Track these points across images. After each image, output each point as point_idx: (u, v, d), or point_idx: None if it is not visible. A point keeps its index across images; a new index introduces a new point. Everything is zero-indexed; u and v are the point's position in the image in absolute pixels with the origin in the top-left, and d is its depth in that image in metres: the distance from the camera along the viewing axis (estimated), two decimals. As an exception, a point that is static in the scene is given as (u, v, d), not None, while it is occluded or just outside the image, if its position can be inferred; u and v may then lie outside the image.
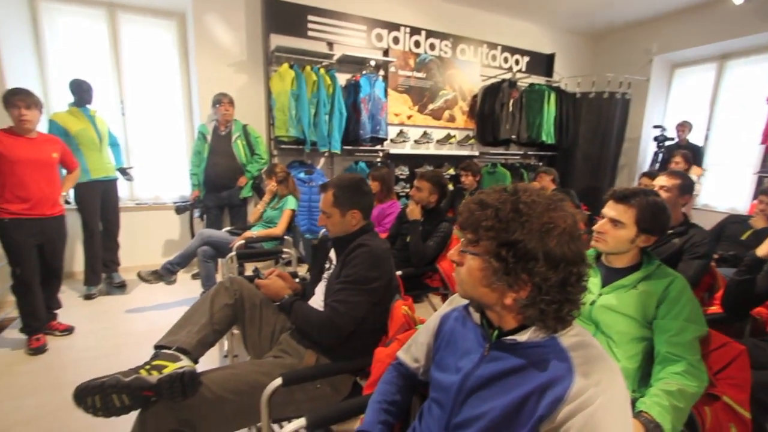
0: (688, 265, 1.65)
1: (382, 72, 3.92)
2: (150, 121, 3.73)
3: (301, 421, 0.91)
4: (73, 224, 2.92)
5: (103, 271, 3.20)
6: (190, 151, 3.82)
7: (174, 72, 3.72)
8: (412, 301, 1.35)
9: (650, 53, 4.75)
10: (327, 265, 1.50)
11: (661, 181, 1.84)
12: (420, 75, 4.15)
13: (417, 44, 4.09)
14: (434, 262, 2.20)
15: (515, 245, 0.64)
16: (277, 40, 3.42)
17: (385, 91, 3.85)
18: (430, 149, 4.36)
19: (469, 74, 4.43)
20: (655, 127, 4.62)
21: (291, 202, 2.85)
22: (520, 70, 4.70)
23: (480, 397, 0.70)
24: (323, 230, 3.07)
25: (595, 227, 1.24)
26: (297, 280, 1.63)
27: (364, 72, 3.71)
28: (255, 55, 3.56)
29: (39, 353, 2.26)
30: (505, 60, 4.65)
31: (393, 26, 3.95)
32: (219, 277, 2.95)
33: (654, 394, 0.98)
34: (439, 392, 0.78)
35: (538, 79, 4.70)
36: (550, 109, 4.50)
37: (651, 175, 2.86)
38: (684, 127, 4.20)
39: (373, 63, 3.72)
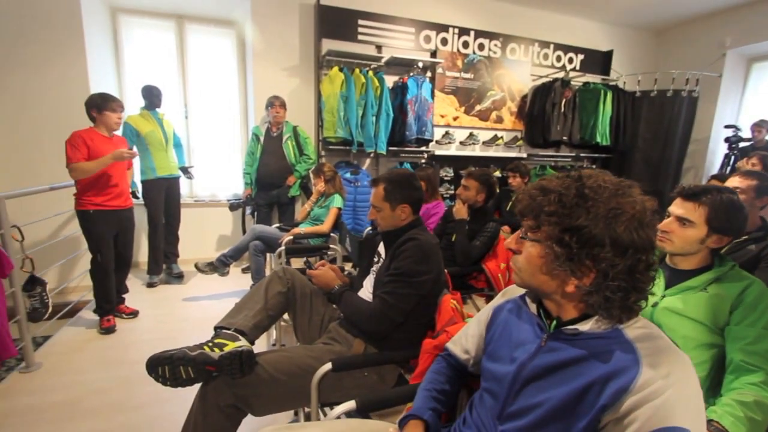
0: (766, 274, 1.50)
1: (429, 73, 3.92)
2: (209, 124, 3.99)
3: (351, 404, 0.93)
4: (140, 218, 3.18)
5: (164, 262, 3.45)
6: (244, 151, 4.05)
7: (232, 77, 3.95)
8: (459, 298, 1.34)
9: (723, 47, 4.37)
10: (375, 259, 1.53)
11: (734, 182, 1.67)
12: (468, 76, 4.11)
13: (465, 45, 4.05)
14: (480, 262, 2.16)
15: (579, 231, 0.63)
16: (329, 45, 3.54)
17: (432, 92, 3.85)
18: (476, 151, 4.30)
19: (519, 74, 4.31)
20: (727, 127, 4.24)
21: (337, 201, 2.93)
22: (573, 69, 4.51)
23: (537, 387, 0.68)
24: (368, 228, 3.13)
25: (659, 225, 1.16)
26: (344, 274, 1.67)
27: (411, 73, 3.74)
28: (307, 59, 3.70)
29: (109, 333, 2.49)
30: (558, 59, 4.48)
31: (441, 27, 3.95)
32: (268, 271, 3.09)
33: (726, 404, 0.90)
34: (492, 382, 0.78)
35: (594, 78, 4.48)
36: (605, 109, 4.27)
37: (721, 178, 2.63)
38: (762, 127, 3.82)
39: (420, 65, 3.73)
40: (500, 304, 0.88)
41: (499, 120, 4.35)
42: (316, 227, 2.84)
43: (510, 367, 0.74)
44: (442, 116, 4.10)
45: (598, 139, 4.28)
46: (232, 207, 3.62)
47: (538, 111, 4.19)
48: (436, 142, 4.07)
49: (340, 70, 3.46)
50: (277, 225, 3.13)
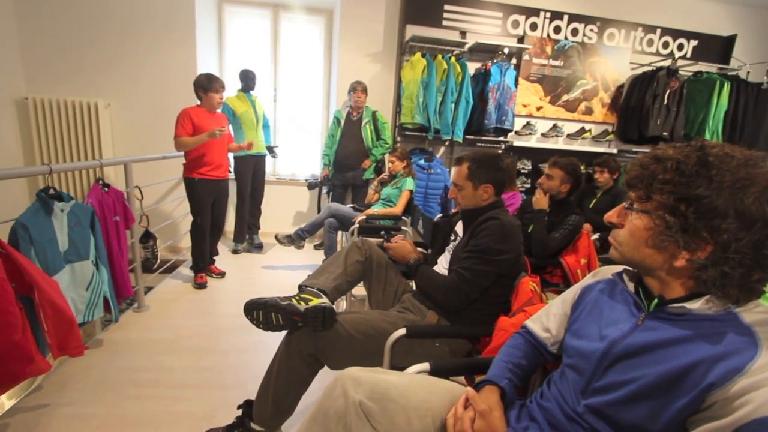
0: None
1: (514, 60, 3.76)
2: (294, 107, 4.24)
3: (424, 365, 0.96)
4: (229, 190, 3.50)
5: (247, 232, 3.78)
6: (324, 134, 4.25)
7: (318, 63, 4.15)
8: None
9: None
10: (452, 238, 1.54)
11: None
12: (556, 63, 3.86)
13: (557, 30, 3.81)
14: (557, 256, 2.05)
15: (698, 200, 0.58)
16: (413, 31, 3.55)
17: (516, 80, 3.69)
18: (559, 143, 4.04)
19: (616, 62, 3.95)
20: None
21: (410, 183, 2.97)
22: (683, 57, 4.01)
23: (629, 365, 0.65)
24: (438, 215, 3.13)
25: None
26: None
27: (495, 60, 3.61)
28: (390, 45, 3.75)
29: (202, 288, 2.81)
30: (665, 45, 4.01)
31: (532, 11, 3.75)
32: (339, 248, 3.24)
33: None
34: (576, 358, 0.75)
35: (708, 67, 3.95)
36: (720, 102, 3.75)
37: None
38: None
39: (506, 51, 3.59)
40: (590, 283, 0.85)
41: (588, 111, 4.04)
42: (389, 209, 2.91)
43: (599, 344, 0.71)
44: (525, 106, 3.91)
45: (708, 136, 3.78)
46: (310, 186, 3.84)
47: (636, 103, 3.81)
48: (516, 132, 3.91)
49: (423, 56, 3.46)
50: (351, 205, 3.25)
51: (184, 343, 2.09)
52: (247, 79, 3.44)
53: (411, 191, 2.96)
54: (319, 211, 4.08)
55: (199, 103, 2.74)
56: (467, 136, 3.66)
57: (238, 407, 1.37)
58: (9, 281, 1.31)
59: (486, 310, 1.28)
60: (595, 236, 2.41)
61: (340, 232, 3.17)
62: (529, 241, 2.06)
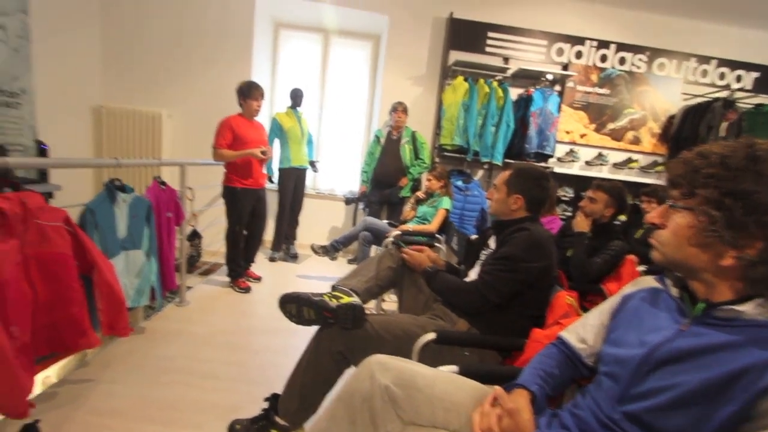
0: None
1: (558, 87, 3.75)
2: (337, 125, 4.43)
3: (453, 368, 0.95)
4: (269, 200, 3.65)
5: (284, 242, 3.90)
6: (364, 152, 4.38)
7: (362, 84, 4.34)
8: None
9: None
10: (485, 250, 1.53)
11: None
12: (602, 91, 3.81)
13: (603, 58, 3.78)
14: (598, 282, 1.97)
15: (746, 195, 0.57)
16: (456, 56, 3.65)
17: (559, 106, 3.67)
18: (603, 172, 3.93)
19: (667, 92, 3.84)
20: None
21: (446, 203, 2.98)
22: (741, 89, 3.84)
23: (670, 371, 0.62)
24: (473, 236, 3.10)
25: None
26: (444, 261, 1.69)
27: (538, 86, 3.63)
28: (433, 69, 3.87)
29: (246, 292, 2.88)
30: (721, 76, 3.86)
31: (577, 40, 3.76)
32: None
33: None
34: (613, 366, 0.73)
35: (770, 100, 3.75)
36: (783, 138, 3.52)
37: None
38: None
39: (549, 77, 3.60)
40: (631, 292, 0.82)
41: (636, 141, 3.91)
42: (424, 226, 2.93)
43: (638, 350, 0.68)
44: (568, 132, 3.86)
45: (769, 173, 3.54)
46: (348, 201, 3.94)
47: (689, 134, 3.65)
48: (558, 159, 3.85)
49: (465, 79, 3.54)
50: (387, 221, 3.30)
51: (218, 338, 2.16)
52: (296, 97, 3.65)
53: (447, 210, 2.97)
54: (354, 226, 4.16)
55: (240, 110, 2.84)
56: (507, 160, 3.64)
57: (265, 400, 1.39)
58: (75, 259, 1.45)
59: (517, 322, 1.25)
60: (642, 268, 2.29)
61: (373, 247, 3.21)
62: (567, 264, 2.00)
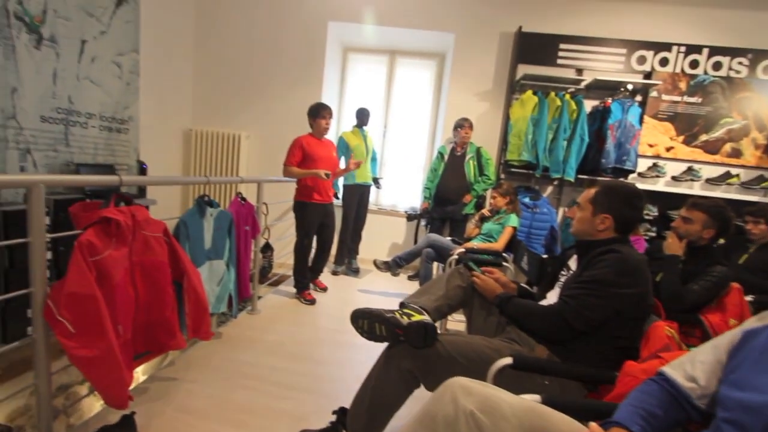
0: None
1: (639, 97, 3.48)
2: (400, 142, 4.49)
3: (536, 397, 0.89)
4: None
5: (346, 257, 3.99)
6: (426, 168, 4.38)
7: (426, 101, 4.37)
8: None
9: None
10: (564, 272, 1.43)
11: None
12: (693, 100, 3.45)
13: (694, 64, 3.44)
14: (695, 312, 1.74)
15: None
16: (525, 69, 3.55)
17: (641, 118, 3.38)
18: (695, 189, 3.52)
19: (774, 98, 3.38)
20: None
21: (513, 220, 2.86)
22: None
23: None
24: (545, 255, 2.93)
25: None
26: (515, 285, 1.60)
27: (616, 97, 3.39)
28: (500, 84, 3.80)
29: (312, 304, 2.98)
30: None
31: (662, 46, 3.47)
32: (434, 280, 3.22)
33: None
34: (738, 412, 0.63)
35: None
36: None
37: None
38: None
39: (629, 87, 3.35)
40: (756, 327, 0.71)
41: (735, 154, 3.47)
42: (490, 244, 2.83)
43: None
44: (651, 146, 3.54)
45: None
46: (410, 218, 3.94)
47: (804, 145, 3.17)
48: (639, 174, 3.53)
49: (534, 93, 3.41)
50: (450, 238, 3.24)
51: (286, 347, 2.25)
52: (362, 116, 3.78)
53: (514, 228, 2.85)
54: (415, 242, 4.14)
55: (311, 130, 2.98)
56: (580, 176, 3.42)
57: (333, 413, 1.41)
58: (170, 266, 1.60)
59: (605, 353, 1.14)
60: (750, 298, 1.99)
61: (435, 264, 3.16)
62: (657, 291, 1.80)
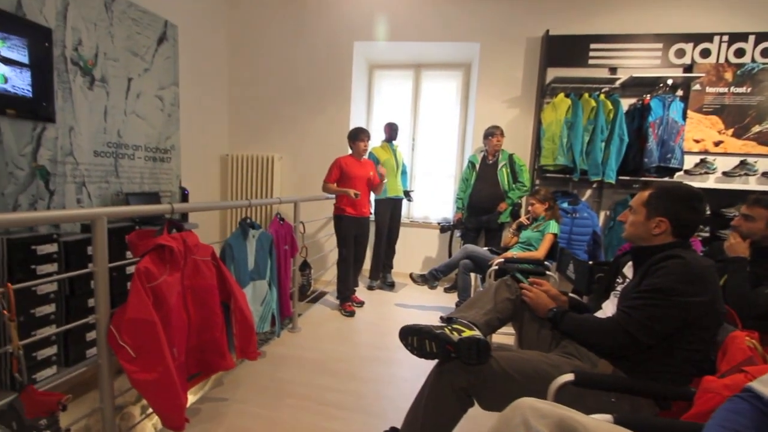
0: None
1: (680, 92, 3.31)
2: (429, 153, 4.49)
3: (607, 416, 0.83)
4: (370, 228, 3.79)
5: (381, 271, 3.99)
6: (457, 178, 4.34)
7: (454, 111, 4.36)
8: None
9: None
10: (620, 280, 1.36)
11: None
12: (741, 90, 3.25)
13: (739, 53, 3.25)
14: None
15: None
16: (554, 73, 3.48)
17: (684, 113, 3.21)
18: (751, 183, 3.29)
19: (835, 82, 3.13)
20: None
21: (553, 227, 2.76)
22: None
23: None
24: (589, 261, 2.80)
25: None
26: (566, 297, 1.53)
27: (654, 93, 3.24)
28: (529, 89, 3.73)
29: (350, 316, 3.05)
30: None
31: (702, 37, 3.31)
32: (472, 292, 3.15)
33: None
34: None
35: None
36: None
37: None
38: None
39: (669, 82, 3.20)
40: None
41: (794, 145, 3.22)
42: (530, 252, 2.74)
43: None
44: (697, 141, 3.35)
45: None
46: (443, 229, 3.90)
47: None
48: (686, 172, 3.34)
49: (566, 96, 3.33)
50: (487, 248, 3.17)
51: (330, 365, 2.25)
52: (391, 131, 3.81)
53: (555, 235, 2.75)
54: (450, 254, 4.08)
55: (350, 151, 3.18)
56: (621, 177, 3.28)
57: (384, 433, 1.38)
58: (218, 288, 1.65)
59: (676, 367, 1.06)
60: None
61: (472, 275, 3.09)
62: (724, 297, 1.67)
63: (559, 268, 2.43)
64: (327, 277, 4.11)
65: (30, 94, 2.21)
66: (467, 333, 1.20)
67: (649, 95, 3.24)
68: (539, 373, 1.12)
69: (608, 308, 1.32)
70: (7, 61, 2.09)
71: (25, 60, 2.17)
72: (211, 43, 4.06)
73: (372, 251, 3.87)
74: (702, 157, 3.35)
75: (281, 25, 4.18)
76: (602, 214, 3.65)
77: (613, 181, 3.24)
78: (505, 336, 2.46)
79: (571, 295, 1.58)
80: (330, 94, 4.17)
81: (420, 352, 1.22)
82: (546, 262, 2.71)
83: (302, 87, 4.23)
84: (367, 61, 4.43)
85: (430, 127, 4.45)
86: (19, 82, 2.16)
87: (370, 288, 3.86)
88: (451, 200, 4.39)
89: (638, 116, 3.24)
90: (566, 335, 1.25)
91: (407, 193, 4.03)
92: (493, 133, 3.50)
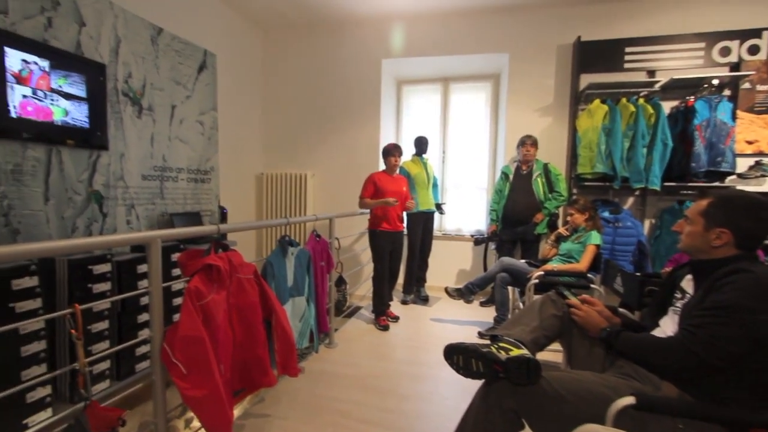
0: None
1: (727, 91, 3.14)
2: (460, 165, 4.45)
3: (679, 447, 0.77)
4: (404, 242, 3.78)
5: (414, 285, 3.95)
6: (489, 190, 4.28)
7: (484, 122, 4.32)
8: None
9: None
10: (678, 295, 1.27)
11: None
12: (797, 86, 3.04)
13: (792, 48, 3.06)
14: None
15: None
16: (588, 79, 3.39)
17: (733, 113, 3.04)
18: (815, 187, 3.04)
19: None
20: None
21: (595, 237, 2.65)
22: None
23: None
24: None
25: None
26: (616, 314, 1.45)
27: (699, 95, 3.09)
28: (561, 97, 3.65)
29: (384, 330, 3.05)
30: None
31: (749, 33, 3.14)
32: (510, 306, 3.06)
33: None
34: None
35: None
36: None
37: None
38: None
39: (715, 82, 3.04)
40: None
41: None
42: (572, 265, 2.64)
43: None
44: (750, 143, 3.15)
45: None
46: (477, 242, 3.83)
47: None
48: (739, 175, 3.13)
49: (603, 101, 3.23)
50: (525, 260, 3.08)
51: (368, 381, 2.23)
52: (421, 144, 3.82)
53: (598, 246, 2.64)
54: (485, 267, 4.00)
55: (384, 167, 3.24)
56: (666, 183, 3.12)
57: (430, 455, 1.35)
58: (260, 306, 1.69)
59: (749, 390, 0.97)
60: None
61: (510, 288, 3.01)
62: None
63: (605, 281, 2.31)
64: (361, 292, 4.12)
65: (87, 125, 2.39)
66: (515, 352, 1.16)
67: (692, 97, 3.09)
68: (595, 396, 1.06)
69: (667, 326, 1.24)
70: (68, 96, 2.27)
71: (83, 94, 2.35)
72: (246, 68, 4.25)
73: (405, 265, 3.86)
74: (757, 159, 3.14)
75: (311, 48, 4.33)
76: (647, 223, 3.47)
77: (657, 188, 3.08)
78: (552, 353, 2.36)
79: (621, 310, 1.51)
80: (359, 111, 4.25)
81: (466, 371, 1.19)
82: (589, 275, 2.60)
83: (332, 106, 4.34)
84: (394, 78, 4.49)
85: (460, 139, 4.43)
86: (78, 115, 2.34)
87: (404, 302, 3.84)
88: (484, 212, 4.32)
89: (682, 119, 3.09)
90: (623, 356, 1.18)
91: (439, 206, 4.01)
92: (523, 143, 3.45)
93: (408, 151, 3.92)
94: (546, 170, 3.45)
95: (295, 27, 4.33)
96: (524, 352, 1.16)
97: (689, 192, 3.23)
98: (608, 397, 1.03)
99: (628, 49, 3.37)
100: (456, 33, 3.89)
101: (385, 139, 4.18)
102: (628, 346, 1.15)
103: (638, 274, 2.28)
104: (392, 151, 3.17)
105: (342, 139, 4.34)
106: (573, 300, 1.39)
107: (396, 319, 3.26)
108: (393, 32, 4.07)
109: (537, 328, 1.35)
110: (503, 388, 1.14)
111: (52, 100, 2.20)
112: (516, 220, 3.53)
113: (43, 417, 1.76)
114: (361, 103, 4.24)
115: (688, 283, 1.27)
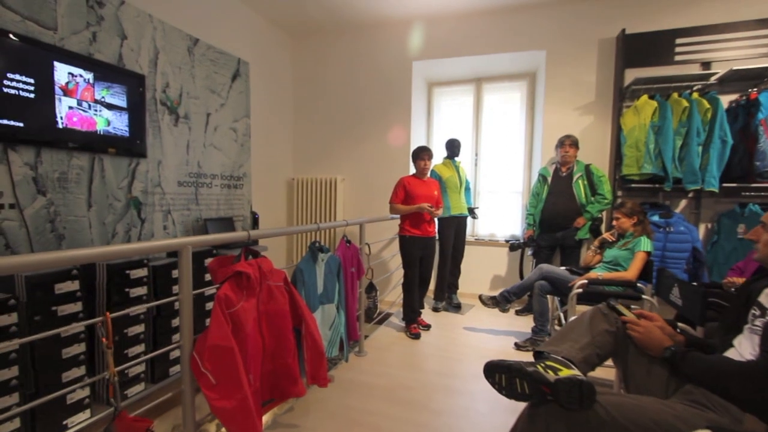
0: None
1: (796, 82, 2.84)
2: (494, 168, 4.30)
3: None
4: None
5: (446, 291, 3.83)
6: (525, 193, 4.10)
7: (519, 123, 4.15)
8: None
9: None
10: (756, 312, 1.11)
11: None
12: None
13: None
14: None
15: None
16: (634, 74, 3.17)
17: (804, 106, 2.74)
18: None
19: None
20: None
21: (644, 244, 2.44)
22: None
23: None
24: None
25: None
26: (677, 331, 1.29)
27: (764, 87, 2.81)
28: (604, 94, 3.44)
29: (416, 338, 2.96)
30: None
31: (821, 18, 2.83)
32: (550, 317, 2.88)
33: None
34: None
35: None
36: None
37: None
38: None
39: (782, 72, 2.76)
40: None
41: None
42: (619, 273, 2.45)
43: None
44: (826, 138, 2.82)
45: None
46: (513, 247, 3.66)
47: None
48: (812, 175, 2.81)
49: (651, 97, 3.00)
50: (566, 267, 2.90)
51: (399, 393, 2.15)
52: (453, 147, 3.71)
53: (648, 253, 2.43)
54: (520, 274, 3.82)
55: (414, 170, 3.15)
56: (725, 184, 2.85)
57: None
58: (290, 313, 1.65)
59: None
60: None
61: (549, 297, 2.83)
62: None
63: (659, 292, 2.11)
64: (391, 298, 4.05)
65: (127, 134, 2.47)
66: (564, 372, 1.05)
67: (755, 89, 2.81)
68: (660, 425, 0.93)
69: (744, 348, 1.08)
70: (111, 107, 2.36)
71: (123, 104, 2.44)
72: (276, 75, 4.31)
73: (436, 271, 3.75)
74: (833, 156, 2.81)
75: (341, 53, 4.33)
76: (702, 227, 3.19)
77: (715, 189, 2.82)
78: (603, 368, 2.18)
79: (682, 325, 1.35)
80: (389, 115, 4.20)
81: (509, 392, 1.08)
82: (638, 284, 2.39)
83: (362, 110, 4.32)
84: (425, 79, 4.41)
85: (494, 141, 4.28)
86: (119, 124, 2.42)
87: (435, 310, 3.72)
88: (519, 216, 4.14)
89: (743, 114, 2.81)
90: (691, 381, 1.03)
91: (472, 210, 3.88)
92: (562, 143, 3.27)
93: (440, 154, 3.82)
94: (588, 172, 3.25)
95: (324, 32, 4.35)
96: (575, 372, 1.05)
97: (752, 194, 2.93)
98: (677, 428, 0.90)
99: (679, 41, 3.12)
100: (489, 31, 3.76)
101: (416, 142, 4.10)
102: (699, 369, 1.01)
103: (698, 284, 2.07)
104: (421, 154, 3.07)
105: (372, 143, 4.30)
106: (629, 316, 1.25)
107: (428, 327, 3.15)
108: (423, 33, 4.00)
109: (588, 345, 1.22)
110: (553, 411, 1.03)
111: (96, 110, 2.28)
112: (555, 224, 3.34)
113: (82, 418, 1.80)
114: (391, 107, 4.19)
115: (766, 298, 1.11)
